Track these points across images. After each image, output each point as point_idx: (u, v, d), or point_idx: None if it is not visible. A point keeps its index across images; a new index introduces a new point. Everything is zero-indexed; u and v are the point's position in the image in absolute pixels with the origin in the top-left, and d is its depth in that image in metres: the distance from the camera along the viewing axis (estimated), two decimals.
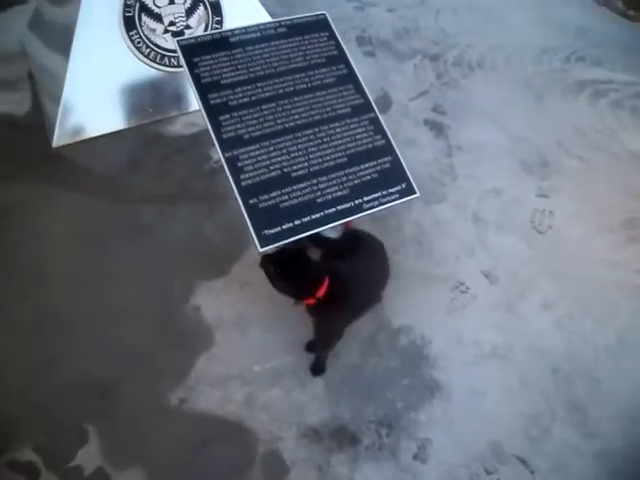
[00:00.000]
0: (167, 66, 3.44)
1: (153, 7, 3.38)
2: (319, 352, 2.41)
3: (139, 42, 3.36)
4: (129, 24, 3.35)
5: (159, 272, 2.74)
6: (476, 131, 3.65)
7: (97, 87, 3.35)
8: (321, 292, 2.13)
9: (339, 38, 2.71)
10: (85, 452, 2.19)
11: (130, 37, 3.35)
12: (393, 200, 2.41)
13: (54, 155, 3.29)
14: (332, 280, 2.16)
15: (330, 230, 2.36)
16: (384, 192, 2.41)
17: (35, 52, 3.87)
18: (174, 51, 3.28)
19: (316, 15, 2.73)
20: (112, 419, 2.27)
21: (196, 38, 2.54)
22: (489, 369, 2.52)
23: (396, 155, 2.50)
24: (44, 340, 2.49)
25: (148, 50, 3.39)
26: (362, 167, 2.42)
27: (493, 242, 3.00)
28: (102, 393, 2.34)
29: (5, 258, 2.82)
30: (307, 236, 2.23)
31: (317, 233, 2.27)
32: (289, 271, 2.09)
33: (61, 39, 3.43)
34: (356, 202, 2.34)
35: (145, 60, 3.39)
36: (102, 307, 2.60)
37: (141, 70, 3.40)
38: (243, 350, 2.47)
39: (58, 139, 3.33)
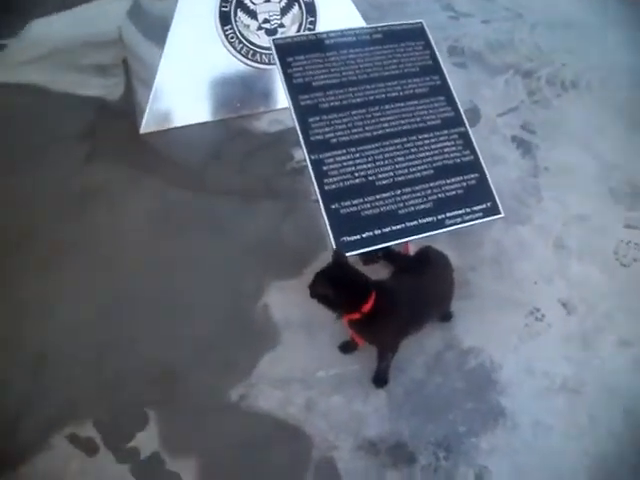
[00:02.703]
0: (258, 62, 3.46)
1: (249, 3, 3.42)
2: (378, 364, 2.37)
3: (232, 37, 3.40)
4: (224, 19, 3.39)
5: (232, 266, 2.75)
6: (565, 153, 3.53)
7: (188, 78, 3.41)
8: (367, 307, 2.09)
9: (435, 48, 2.67)
10: (143, 435, 2.21)
11: (224, 31, 3.39)
12: (476, 218, 2.35)
13: (141, 141, 3.37)
14: (379, 295, 2.11)
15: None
16: (468, 209, 2.36)
17: (131, 40, 3.97)
18: (266, 48, 3.30)
19: (413, 23, 2.71)
20: (173, 407, 2.30)
21: (292, 38, 2.56)
22: (558, 402, 2.42)
23: (483, 172, 2.44)
24: (116, 321, 2.54)
25: (241, 45, 3.42)
26: (448, 182, 2.38)
27: (574, 270, 2.88)
28: (166, 380, 2.36)
29: (84, 238, 2.89)
30: (384, 247, 2.21)
31: (390, 247, 2.24)
32: (335, 283, 2.06)
33: (158, 28, 3.51)
34: (439, 217, 2.29)
35: (237, 55, 3.42)
36: (174, 295, 2.63)
37: (232, 65, 3.44)
38: (308, 354, 2.45)
39: (146, 126, 3.40)
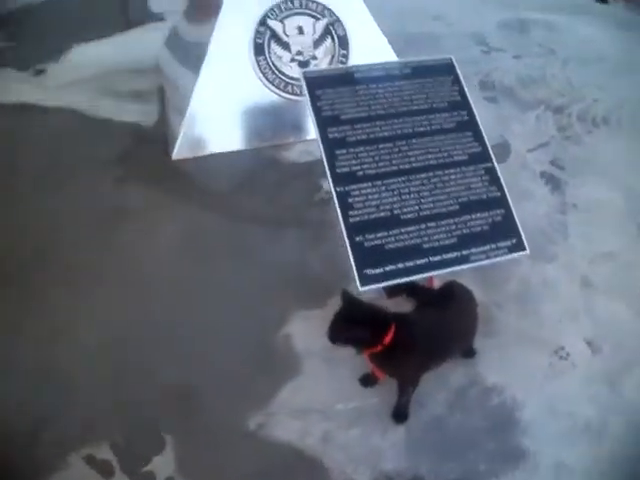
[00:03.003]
0: (290, 93, 3.52)
1: (283, 36, 3.49)
2: (399, 398, 2.36)
3: (265, 68, 3.47)
4: (258, 50, 3.46)
5: (257, 294, 2.77)
6: (594, 190, 3.50)
7: (221, 106, 3.48)
8: (387, 339, 2.09)
9: (463, 84, 2.68)
10: (160, 460, 2.22)
11: (258, 62, 3.46)
12: (501, 255, 2.35)
13: (173, 167, 3.44)
14: (400, 328, 2.12)
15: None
16: (493, 245, 2.35)
17: (168, 67, 4.07)
18: (298, 79, 3.35)
19: (442, 59, 2.73)
20: (190, 432, 2.30)
21: (321, 71, 2.61)
22: (581, 445, 2.37)
23: (509, 209, 2.44)
24: (137, 343, 2.57)
25: (273, 76, 3.48)
26: (473, 217, 2.37)
27: (600, 309, 2.85)
28: (184, 404, 2.38)
29: (112, 259, 2.95)
30: (407, 282, 2.21)
31: (414, 281, 2.24)
32: (353, 322, 2.07)
33: (193, 57, 3.60)
34: (463, 252, 2.29)
35: (269, 86, 3.49)
36: (197, 319, 2.66)
37: (265, 95, 3.50)
38: (328, 385, 2.45)
39: (178, 152, 3.47)
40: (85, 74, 4.49)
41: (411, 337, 2.16)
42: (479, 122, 2.61)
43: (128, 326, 2.64)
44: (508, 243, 2.38)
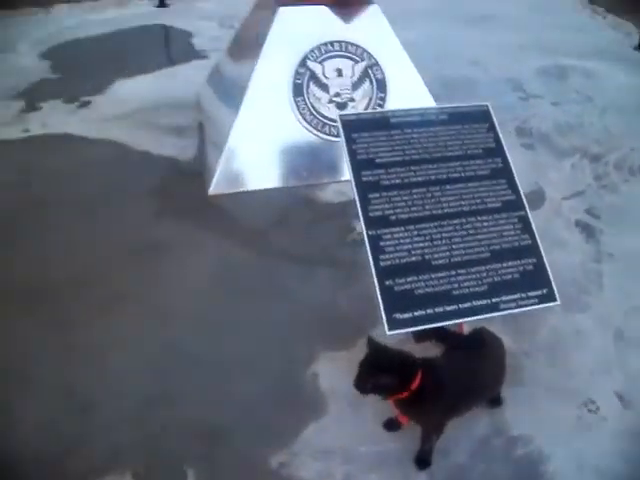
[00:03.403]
0: (326, 134, 3.58)
1: (322, 77, 3.56)
2: (422, 444, 2.33)
3: (304, 108, 3.53)
4: (297, 90, 3.54)
5: (286, 331, 2.79)
6: (631, 239, 3.46)
7: (258, 144, 3.55)
8: (414, 385, 2.08)
9: (499, 131, 2.69)
10: None
11: (296, 102, 3.53)
12: (531, 304, 2.33)
13: (209, 202, 3.51)
14: (426, 373, 2.10)
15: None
16: (523, 294, 2.33)
17: (208, 103, 4.17)
18: (335, 121, 3.40)
19: (479, 106, 2.74)
20: (212, 467, 2.30)
21: (358, 115, 2.65)
22: None
23: (541, 258, 2.42)
24: (164, 374, 2.59)
25: (311, 117, 3.55)
26: (504, 265, 2.36)
27: (633, 363, 2.79)
28: (207, 438, 2.38)
29: (144, 290, 3.01)
30: (435, 327, 2.21)
31: (442, 326, 2.24)
32: (380, 370, 2.07)
33: (234, 94, 3.70)
34: (493, 300, 2.28)
35: (307, 126, 3.55)
36: (225, 353, 2.68)
37: (302, 135, 3.57)
38: (352, 427, 2.43)
39: (215, 187, 3.54)
40: (127, 108, 4.63)
41: (438, 384, 2.15)
42: (513, 170, 2.61)
43: (157, 356, 2.67)
44: (539, 293, 2.36)
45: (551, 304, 2.36)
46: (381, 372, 2.05)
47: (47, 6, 7.25)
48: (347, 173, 2.48)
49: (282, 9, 3.59)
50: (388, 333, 2.13)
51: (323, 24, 3.63)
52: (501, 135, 2.69)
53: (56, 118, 4.56)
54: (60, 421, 2.40)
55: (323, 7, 3.63)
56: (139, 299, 2.95)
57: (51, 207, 3.58)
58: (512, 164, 2.63)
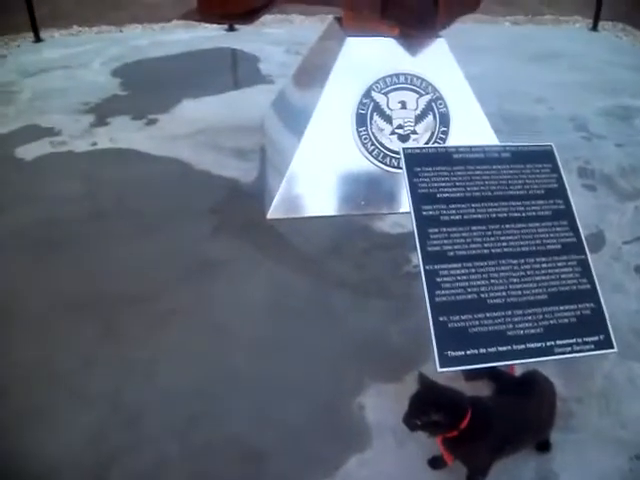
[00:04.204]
0: (387, 165, 3.60)
1: (386, 109, 3.59)
2: None
3: (366, 138, 3.57)
4: (360, 120, 3.58)
5: (335, 359, 2.80)
6: None
7: (319, 171, 3.59)
8: (463, 424, 2.06)
9: (562, 172, 2.67)
10: None
11: (359, 132, 3.57)
12: (587, 350, 2.29)
13: (266, 225, 3.56)
14: (475, 412, 2.08)
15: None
16: (579, 339, 2.29)
17: (272, 128, 4.25)
18: (396, 152, 3.43)
19: (542, 146, 2.72)
20: None
21: (421, 149, 2.66)
22: None
23: (599, 303, 2.38)
24: (211, 393, 2.61)
25: (373, 147, 3.58)
26: (561, 308, 2.33)
27: None
28: (248, 461, 2.38)
29: (197, 308, 3.06)
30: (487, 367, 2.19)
31: (494, 366, 2.22)
32: (431, 407, 2.04)
33: (298, 121, 3.76)
34: (547, 344, 2.25)
35: (368, 156, 3.58)
36: (272, 375, 2.70)
37: (363, 164, 3.60)
38: (396, 463, 2.41)
39: (274, 211, 3.59)
40: (192, 127, 4.76)
41: (486, 424, 2.13)
42: (575, 212, 2.58)
43: (205, 375, 2.70)
44: (595, 339, 2.32)
45: (608, 351, 2.31)
46: (432, 410, 2.04)
47: (120, 26, 7.57)
48: (405, 205, 2.50)
49: (350, 39, 3.65)
50: (439, 370, 2.12)
51: (389, 56, 3.66)
52: (564, 176, 2.67)
53: (123, 134, 4.72)
54: (107, 431, 2.45)
55: (390, 39, 3.67)
56: (190, 316, 3.00)
57: (112, 220, 3.70)
58: (574, 206, 2.60)
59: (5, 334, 2.90)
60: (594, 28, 8.03)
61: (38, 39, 7.05)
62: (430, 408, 2.05)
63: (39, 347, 2.82)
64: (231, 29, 7.19)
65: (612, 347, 2.34)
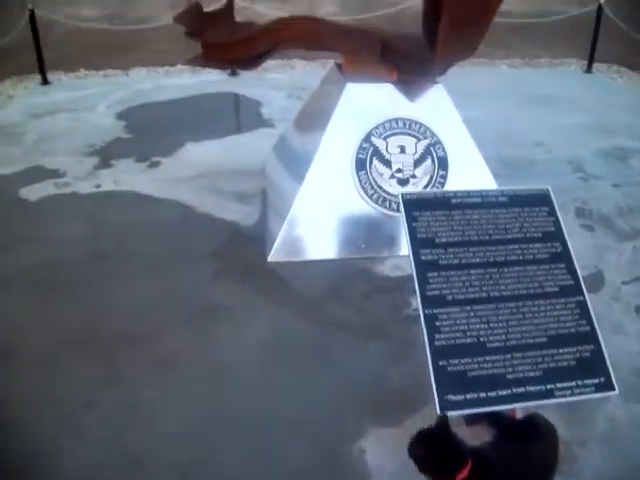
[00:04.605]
0: (387, 209, 3.65)
1: (385, 153, 3.66)
2: None
3: (366, 182, 3.63)
4: (360, 164, 3.64)
5: (335, 402, 2.79)
6: None
7: (320, 215, 3.64)
8: (462, 476, 2.02)
9: (559, 215, 2.71)
10: None
11: (358, 176, 3.62)
12: (588, 393, 2.29)
13: (267, 268, 3.60)
14: (475, 464, 2.04)
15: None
16: (579, 382, 2.30)
17: (273, 172, 4.32)
18: (396, 196, 3.46)
19: (539, 189, 2.76)
20: None
21: (419, 194, 2.71)
22: None
23: (599, 345, 2.40)
24: (211, 438, 2.60)
25: (372, 191, 3.63)
26: (560, 351, 2.35)
27: None
28: None
29: (200, 349, 3.07)
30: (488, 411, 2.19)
31: (495, 410, 2.22)
32: (432, 447, 2.03)
33: (299, 164, 3.83)
34: (547, 387, 2.26)
35: (368, 200, 3.63)
36: (272, 419, 2.69)
37: (362, 208, 3.65)
38: None
39: (274, 254, 3.63)
40: (195, 171, 4.83)
41: (487, 477, 2.10)
42: (573, 254, 2.61)
43: (206, 417, 2.70)
44: (596, 381, 2.33)
45: (609, 393, 2.32)
46: (436, 450, 2.03)
47: (126, 69, 7.73)
48: (405, 248, 2.53)
49: (350, 85, 3.73)
50: (439, 414, 2.12)
51: (388, 101, 3.75)
52: (561, 219, 2.71)
53: (126, 176, 4.80)
54: (107, 472, 2.44)
55: (389, 85, 3.76)
56: (191, 359, 3.01)
57: (114, 261, 3.74)
58: (571, 248, 2.63)
59: (7, 373, 2.92)
60: (589, 70, 8.18)
61: (45, 81, 7.23)
62: (435, 447, 2.03)
63: (42, 383, 2.84)
64: (234, 74, 7.33)
65: (613, 389, 2.35)
